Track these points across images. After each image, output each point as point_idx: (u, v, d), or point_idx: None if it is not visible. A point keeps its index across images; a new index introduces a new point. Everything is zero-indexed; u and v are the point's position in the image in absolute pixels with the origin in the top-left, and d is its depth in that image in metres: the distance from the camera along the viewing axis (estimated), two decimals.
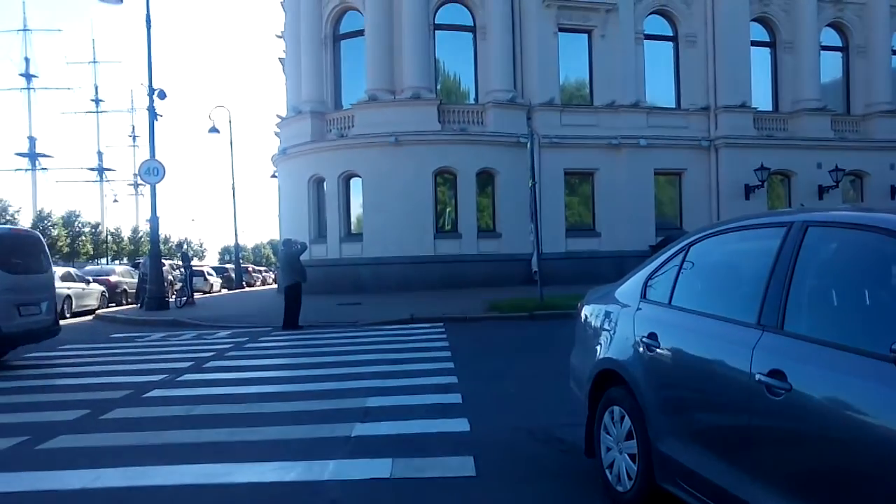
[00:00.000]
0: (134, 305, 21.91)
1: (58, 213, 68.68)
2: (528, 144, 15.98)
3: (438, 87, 24.07)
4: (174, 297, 21.38)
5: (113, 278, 23.63)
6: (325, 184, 23.77)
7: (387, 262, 22.08)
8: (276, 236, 34.36)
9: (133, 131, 78.98)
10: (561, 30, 24.46)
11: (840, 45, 27.54)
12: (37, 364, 9.83)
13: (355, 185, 23.51)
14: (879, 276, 2.49)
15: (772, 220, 3.14)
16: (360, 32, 23.82)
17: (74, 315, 18.87)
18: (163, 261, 22.08)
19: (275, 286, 35.97)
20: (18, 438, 5.41)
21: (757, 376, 2.55)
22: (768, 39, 26.68)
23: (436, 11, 23.80)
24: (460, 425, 5.46)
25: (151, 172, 19.47)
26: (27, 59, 75.20)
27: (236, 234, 37.83)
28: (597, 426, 3.91)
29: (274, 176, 29.50)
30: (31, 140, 75.36)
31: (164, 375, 8.36)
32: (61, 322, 16.08)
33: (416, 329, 12.59)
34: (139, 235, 75.96)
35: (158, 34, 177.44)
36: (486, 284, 21.05)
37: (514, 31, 24.13)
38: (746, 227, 3.27)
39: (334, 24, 24.75)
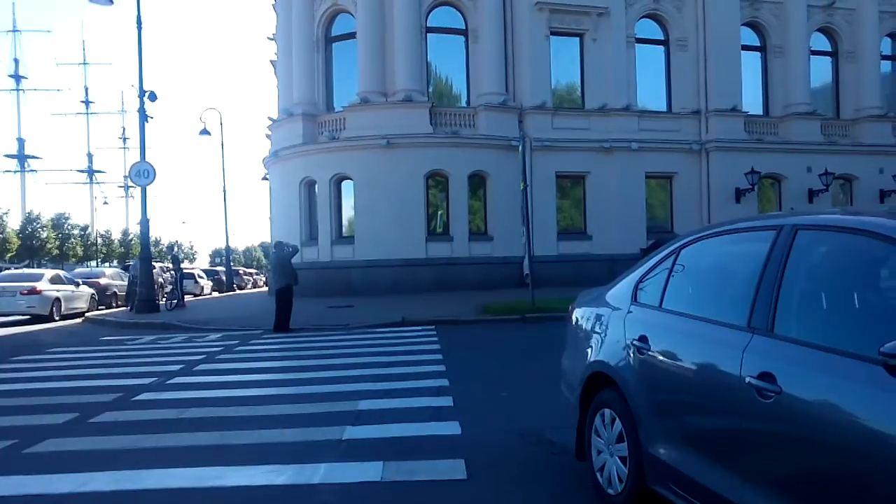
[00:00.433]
0: (124, 308, 21.79)
1: (47, 216, 68.30)
2: (520, 147, 16.03)
3: (430, 89, 24.09)
4: (164, 299, 21.28)
5: (103, 281, 23.48)
6: (316, 186, 23.73)
7: (378, 265, 22.05)
8: (268, 239, 34.27)
9: (123, 133, 78.84)
10: (553, 33, 24.53)
11: (829, 49, 27.76)
12: (25, 367, 9.75)
13: (347, 187, 23.48)
14: (868, 279, 2.51)
15: (762, 223, 3.15)
16: (352, 35, 23.81)
17: (64, 317, 18.75)
18: (153, 263, 21.96)
19: (265, 289, 35.87)
20: (5, 442, 5.37)
21: (747, 379, 2.56)
22: (759, 44, 26.86)
23: (428, 14, 23.82)
24: (451, 428, 5.45)
25: (142, 174, 19.39)
26: (16, 60, 74.87)
27: (227, 237, 37.72)
28: (588, 429, 3.92)
29: (265, 178, 29.43)
30: (20, 141, 74.96)
31: (154, 378, 8.31)
32: (50, 325, 16.03)
33: (407, 332, 12.57)
34: (129, 238, 75.60)
35: (149, 36, 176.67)
36: (477, 287, 21.06)
37: (506, 35, 24.19)
38: (737, 230, 3.28)
39: (326, 27, 24.73)
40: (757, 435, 2.55)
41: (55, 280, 19.38)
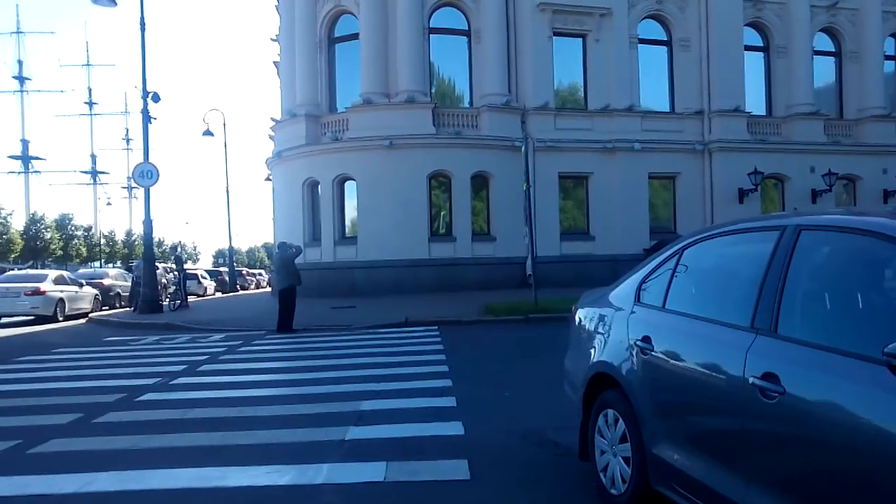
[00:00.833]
0: (127, 309, 21.82)
1: (51, 216, 68.47)
2: (523, 148, 16.01)
3: (433, 90, 24.09)
4: (168, 300, 21.32)
5: (106, 281, 23.54)
6: (319, 187, 23.75)
7: (381, 266, 22.06)
8: (271, 240, 34.28)
9: (127, 134, 78.97)
10: (555, 34, 24.52)
11: (833, 49, 27.71)
12: (29, 367, 9.78)
13: (350, 188, 23.49)
14: (872, 279, 2.50)
15: (765, 223, 3.15)
16: (355, 36, 23.83)
17: (67, 318, 18.79)
18: (156, 264, 21.99)
19: (269, 289, 35.89)
20: (10, 442, 5.38)
21: (750, 379, 2.56)
22: (762, 44, 26.82)
23: (430, 15, 23.83)
24: (454, 429, 5.45)
25: (145, 175, 19.41)
26: (20, 62, 75.14)
27: (230, 238, 37.74)
28: (591, 429, 3.91)
29: (268, 179, 29.44)
30: (25, 143, 75.24)
31: (158, 379, 8.33)
32: (54, 326, 16.07)
33: (410, 332, 12.57)
34: (133, 238, 75.74)
35: (153, 37, 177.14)
36: (480, 288, 21.06)
37: (509, 35, 24.19)
38: (740, 230, 3.28)
39: (329, 28, 24.75)
40: (760, 435, 2.54)
41: (59, 281, 19.42)
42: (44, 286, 18.34)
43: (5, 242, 60.22)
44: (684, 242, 3.62)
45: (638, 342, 3.46)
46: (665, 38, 25.93)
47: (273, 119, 27.40)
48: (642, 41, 25.44)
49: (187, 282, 23.42)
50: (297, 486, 4.25)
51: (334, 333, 13.08)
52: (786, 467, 2.44)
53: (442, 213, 23.51)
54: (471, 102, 24.30)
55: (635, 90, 25.08)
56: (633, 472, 3.44)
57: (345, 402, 6.58)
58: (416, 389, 7.10)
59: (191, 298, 24.67)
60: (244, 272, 51.48)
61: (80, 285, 20.46)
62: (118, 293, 23.59)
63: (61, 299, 18.70)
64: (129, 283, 23.27)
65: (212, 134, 31.01)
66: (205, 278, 36.36)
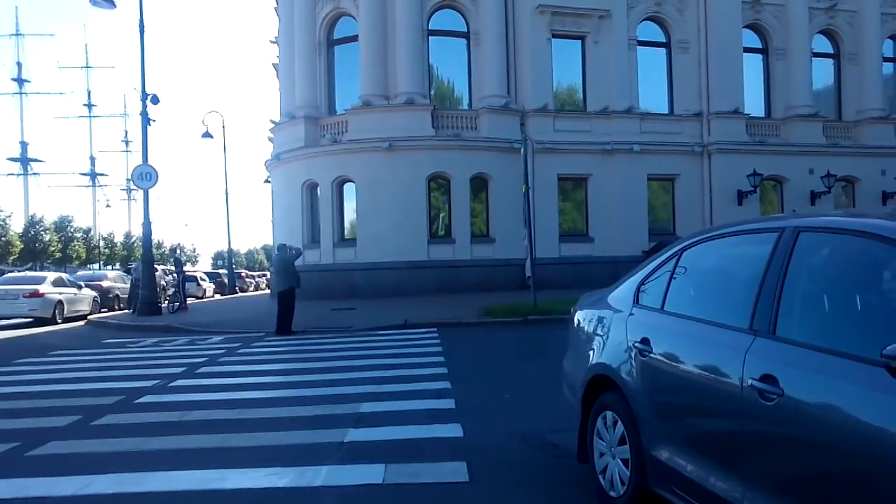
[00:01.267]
0: (126, 311, 21.81)
1: (50, 218, 68.41)
2: (522, 150, 16.02)
3: (432, 92, 24.11)
4: (167, 302, 21.31)
5: (105, 283, 23.51)
6: (318, 189, 23.76)
7: (381, 268, 22.06)
8: (270, 242, 34.32)
9: (126, 136, 79.04)
10: (554, 36, 24.54)
11: (831, 51, 27.75)
12: (27, 370, 9.77)
13: (349, 190, 23.50)
14: (870, 281, 2.50)
15: (764, 225, 3.16)
16: (354, 38, 23.85)
17: (66, 320, 18.78)
18: (155, 266, 21.98)
19: (268, 291, 35.88)
20: (9, 445, 5.38)
21: (749, 381, 2.56)
22: (760, 46, 26.86)
23: (429, 17, 23.85)
24: (453, 431, 5.45)
25: (144, 177, 19.42)
26: (19, 64, 75.12)
27: (229, 240, 37.77)
28: (590, 431, 3.91)
29: (267, 181, 29.46)
30: (23, 145, 75.20)
31: (157, 381, 8.32)
32: (52, 328, 16.06)
33: (409, 334, 12.58)
34: (132, 240, 75.68)
35: (152, 39, 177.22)
36: (479, 289, 21.06)
37: (508, 37, 24.21)
38: (738, 232, 3.28)
39: (328, 30, 24.77)
40: (759, 437, 2.54)
41: (58, 283, 19.41)
42: (42, 288, 18.33)
43: (4, 244, 60.17)
44: (683, 244, 3.62)
45: (637, 344, 3.46)
46: (664, 40, 25.96)
47: (272, 121, 27.42)
48: (641, 43, 25.47)
49: (186, 284, 23.41)
50: (296, 489, 4.25)
51: (333, 335, 13.08)
52: (784, 469, 2.44)
53: (441, 215, 23.52)
54: (470, 104, 24.32)
55: (634, 92, 25.10)
56: (631, 474, 3.44)
57: (344, 404, 6.57)
58: (415, 391, 7.10)
59: (190, 300, 24.67)
60: (243, 274, 51.45)
61: (79, 287, 20.45)
62: (117, 295, 23.57)
63: (60, 301, 18.69)
64: (128, 286, 23.26)
65: (211, 136, 31.00)
66: (204, 280, 36.33)
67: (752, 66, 26.52)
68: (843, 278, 2.62)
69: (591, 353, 3.99)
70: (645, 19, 25.53)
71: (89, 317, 19.64)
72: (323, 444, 5.17)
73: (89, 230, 73.78)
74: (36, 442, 5.43)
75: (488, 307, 15.43)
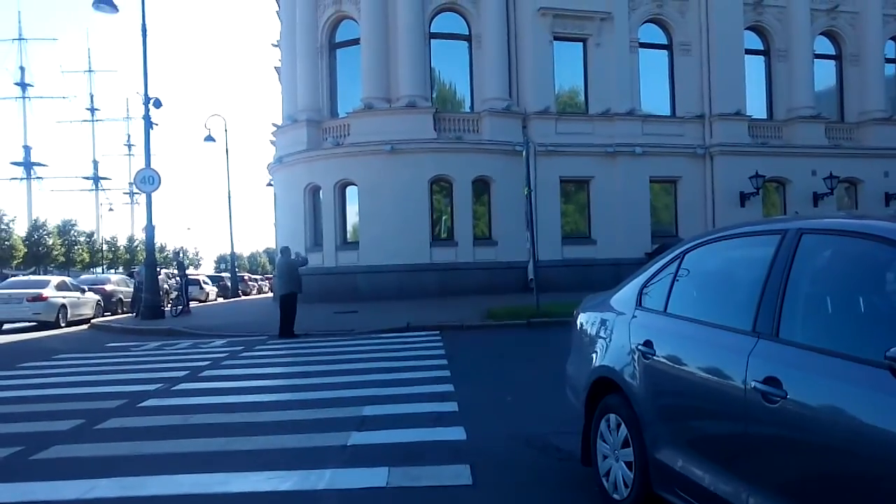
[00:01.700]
0: (129, 314, 21.83)
1: (53, 222, 68.60)
2: (524, 152, 16.02)
3: (434, 95, 24.12)
4: (170, 305, 21.32)
5: (108, 287, 23.52)
6: (321, 192, 23.78)
7: (383, 271, 22.07)
8: (273, 245, 34.31)
9: (128, 140, 79.13)
10: (556, 38, 24.55)
11: (833, 53, 27.71)
12: (31, 374, 9.78)
13: (351, 193, 23.52)
14: (874, 282, 2.50)
15: (766, 227, 3.16)
16: (356, 41, 23.89)
17: (70, 324, 18.79)
18: (158, 269, 22.01)
19: (270, 295, 35.91)
20: (13, 449, 5.38)
21: (752, 383, 2.56)
22: (762, 48, 26.84)
23: (431, 20, 23.87)
24: (457, 434, 5.45)
25: (147, 181, 19.44)
26: (22, 69, 75.41)
27: (232, 243, 37.83)
28: (593, 434, 3.91)
29: (270, 184, 29.49)
30: (27, 149, 75.45)
31: (160, 385, 8.33)
32: (56, 332, 16.09)
33: (412, 337, 12.58)
34: (135, 244, 75.83)
35: (154, 43, 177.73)
36: (482, 292, 21.05)
37: (510, 40, 24.23)
38: (741, 234, 3.28)
39: (330, 33, 24.81)
40: (763, 440, 2.54)
41: (61, 287, 19.44)
42: (46, 292, 18.36)
43: (8, 249, 60.32)
44: (686, 246, 3.62)
45: (640, 346, 3.45)
46: (666, 42, 25.95)
47: (274, 124, 27.45)
48: (643, 45, 25.46)
49: (189, 287, 23.42)
50: (299, 492, 4.25)
51: (336, 338, 13.08)
52: (788, 471, 2.43)
53: (443, 218, 23.52)
54: (472, 107, 24.32)
55: (636, 94, 25.10)
56: (635, 477, 3.43)
57: (346, 407, 6.57)
58: (417, 394, 7.10)
59: (193, 304, 24.68)
60: (246, 277, 51.48)
61: (83, 291, 20.48)
62: (120, 299, 23.59)
63: (63, 305, 18.71)
64: (132, 289, 23.29)
65: (213, 139, 31.07)
66: (207, 284, 36.37)
67: (754, 68, 26.50)
68: (846, 280, 2.62)
69: (594, 355, 3.98)
70: (646, 21, 25.53)
71: (92, 320, 19.67)
72: (326, 447, 5.18)
73: (92, 234, 74.00)
74: (40, 446, 5.44)
75: (491, 310, 15.42)
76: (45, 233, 65.44)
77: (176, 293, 22.23)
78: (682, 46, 25.67)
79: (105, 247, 74.35)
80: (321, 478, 4.45)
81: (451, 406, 6.50)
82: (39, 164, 76.61)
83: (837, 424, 2.22)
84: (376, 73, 23.10)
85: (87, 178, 78.84)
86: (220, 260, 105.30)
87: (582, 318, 4.37)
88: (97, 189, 78.66)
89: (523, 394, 7.14)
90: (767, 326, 2.67)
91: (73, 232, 70.36)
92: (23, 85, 75.32)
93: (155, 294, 19.21)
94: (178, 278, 22.96)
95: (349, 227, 23.79)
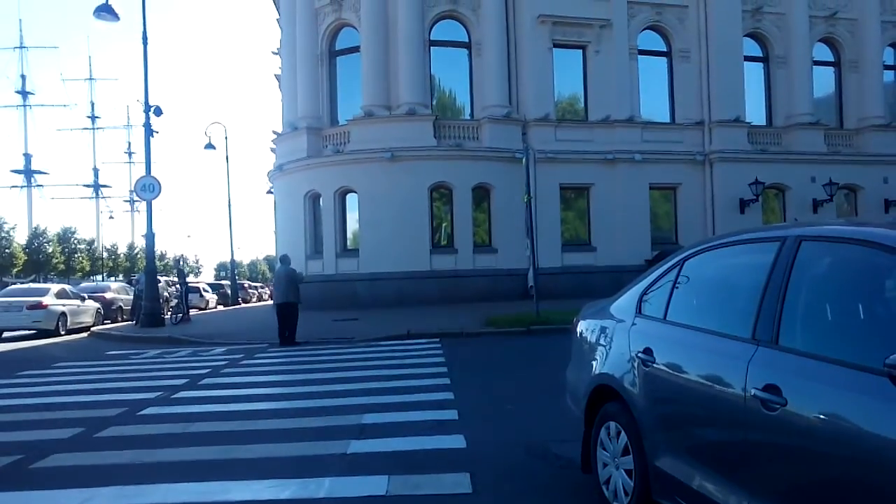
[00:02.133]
0: (129, 322, 21.82)
1: (53, 230, 68.56)
2: (524, 160, 16.04)
3: (434, 102, 24.17)
4: (170, 313, 21.31)
5: (108, 295, 23.52)
6: (321, 199, 23.80)
7: (383, 278, 22.06)
8: (273, 252, 34.32)
9: (129, 148, 79.22)
10: (555, 46, 24.62)
11: (832, 60, 27.78)
12: (31, 382, 9.76)
13: (351, 200, 23.53)
14: (873, 290, 2.50)
15: (766, 234, 3.16)
16: (356, 49, 23.95)
17: (69, 332, 18.78)
18: (158, 277, 22.00)
19: (270, 302, 35.93)
20: (12, 457, 5.37)
21: (752, 391, 2.55)
22: (761, 54, 26.90)
23: (431, 28, 23.95)
24: (457, 442, 5.44)
25: (147, 189, 19.47)
26: (23, 77, 75.47)
27: (232, 251, 37.84)
28: (593, 442, 3.90)
29: (270, 192, 29.53)
30: (27, 157, 75.48)
31: (160, 393, 8.32)
32: (56, 339, 16.06)
33: (412, 344, 12.56)
34: (135, 252, 75.84)
35: (155, 51, 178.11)
36: (482, 299, 21.04)
37: (509, 48, 24.30)
38: (740, 241, 3.29)
39: (330, 41, 24.88)
40: (763, 447, 2.54)
41: (61, 294, 19.43)
42: (46, 300, 18.36)
43: (8, 256, 60.30)
44: (685, 253, 3.62)
45: (639, 354, 3.45)
46: (665, 49, 26.02)
47: (275, 132, 27.51)
48: (642, 52, 25.52)
49: (189, 295, 23.41)
50: (299, 500, 4.24)
51: (336, 346, 13.07)
52: (788, 479, 2.43)
53: (443, 225, 23.53)
54: (472, 114, 24.37)
55: (635, 101, 25.15)
56: (635, 485, 3.43)
57: (346, 415, 6.56)
58: (417, 402, 7.09)
59: (193, 311, 24.68)
60: (246, 285, 51.46)
61: (83, 299, 20.46)
62: (120, 307, 23.58)
63: (63, 313, 18.70)
64: (132, 297, 23.28)
65: (214, 147, 31.13)
66: (207, 291, 36.35)
67: (753, 75, 26.56)
68: (846, 287, 2.62)
69: (593, 363, 3.98)
70: (646, 28, 25.60)
71: (92, 328, 19.65)
72: (326, 455, 5.16)
73: (92, 242, 73.96)
74: (39, 454, 5.43)
75: (491, 317, 15.42)
76: (45, 241, 65.41)
77: (176, 301, 22.23)
78: (682, 53, 25.74)
79: (105, 254, 74.33)
80: (321, 486, 4.44)
81: (452, 414, 6.48)
82: (40, 172, 76.65)
83: (837, 432, 2.21)
84: (376, 81, 23.16)
85: (88, 185, 78.87)
86: (220, 267, 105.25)
87: (582, 326, 4.37)
88: (97, 197, 78.70)
89: (523, 401, 7.13)
90: (767, 334, 2.67)
91: (73, 240, 70.33)
92: (24, 93, 75.46)
93: (155, 302, 19.20)
94: (178, 286, 22.95)
95: (349, 235, 23.79)
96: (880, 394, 2.08)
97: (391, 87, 23.20)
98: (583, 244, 24.79)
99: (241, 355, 12.20)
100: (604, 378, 3.79)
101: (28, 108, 75.59)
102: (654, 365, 3.32)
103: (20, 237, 64.34)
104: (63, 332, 18.45)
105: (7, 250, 60.38)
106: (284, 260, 14.89)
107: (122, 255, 78.93)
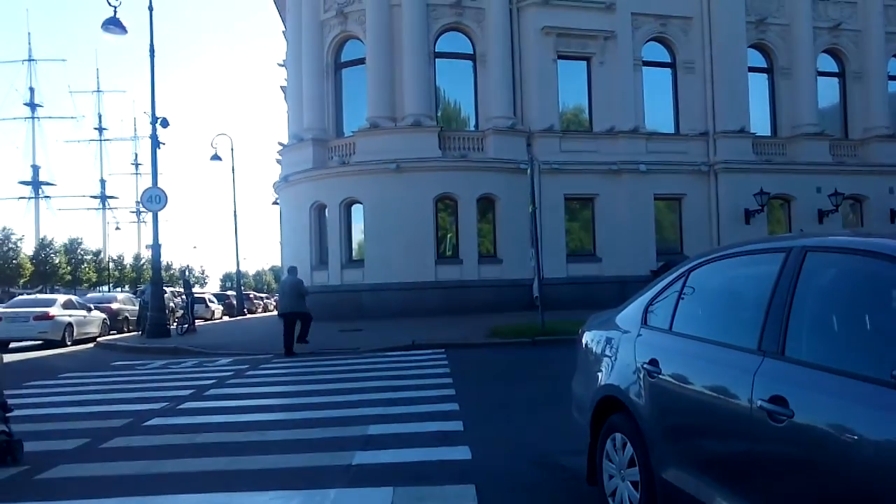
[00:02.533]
0: (135, 333, 21.86)
1: (60, 241, 68.87)
2: (529, 170, 16.06)
3: (439, 114, 24.26)
4: (175, 324, 21.34)
5: (114, 306, 23.59)
6: (326, 210, 23.86)
7: (388, 289, 22.06)
8: (278, 263, 34.40)
9: (136, 159, 79.88)
10: (560, 57, 24.70)
11: (837, 70, 27.79)
12: (37, 392, 9.78)
13: (357, 211, 23.59)
14: (879, 301, 2.49)
15: (771, 245, 3.15)
16: (361, 61, 24.07)
17: (76, 342, 18.81)
18: (164, 288, 22.05)
19: (276, 313, 35.94)
20: (17, 468, 5.37)
21: (758, 402, 2.54)
22: (766, 65, 26.93)
23: (436, 40, 24.06)
24: (462, 453, 5.42)
25: (153, 200, 19.56)
26: (32, 89, 76.11)
27: (238, 261, 37.94)
28: (599, 453, 3.89)
29: (276, 203, 29.63)
30: (35, 168, 75.96)
31: (165, 403, 8.32)
32: (62, 350, 16.08)
33: (417, 355, 12.54)
34: (141, 263, 76.06)
35: (162, 63, 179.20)
36: (487, 310, 21.01)
37: (514, 59, 24.38)
38: (746, 252, 3.28)
39: (335, 53, 25.02)
40: (769, 459, 2.52)
41: (67, 305, 19.48)
42: (52, 311, 18.40)
43: (15, 267, 60.58)
44: (691, 264, 3.62)
45: (645, 365, 3.44)
46: (669, 61, 26.07)
47: (280, 143, 27.62)
48: (646, 63, 25.58)
49: (195, 305, 23.45)
50: None
51: (341, 357, 13.05)
52: (795, 491, 2.41)
53: (448, 236, 23.55)
54: (476, 125, 24.45)
55: (640, 112, 25.18)
56: (641, 497, 3.41)
57: (352, 426, 6.55)
58: (422, 413, 7.07)
59: (198, 322, 24.72)
60: (252, 296, 51.54)
61: (89, 310, 20.51)
62: (126, 317, 23.64)
63: (70, 324, 18.75)
64: (138, 308, 23.33)
65: (220, 158, 31.27)
66: (212, 302, 36.43)
67: (758, 86, 26.59)
68: (852, 298, 2.61)
69: (599, 374, 3.97)
70: (650, 40, 25.68)
71: (98, 339, 19.69)
72: (331, 466, 5.15)
73: (99, 252, 74.26)
74: (45, 465, 5.43)
75: (496, 328, 15.39)
76: (52, 251, 65.73)
77: (182, 311, 22.26)
78: (686, 64, 25.78)
79: (112, 265, 74.56)
80: (326, 497, 4.43)
81: (457, 425, 6.47)
82: (47, 184, 77.18)
83: (844, 444, 2.20)
84: (381, 92, 23.26)
85: (95, 196, 79.37)
86: (226, 278, 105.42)
87: (587, 337, 4.36)
88: (104, 208, 79.20)
89: (529, 412, 7.11)
90: (773, 345, 2.66)
91: (79, 250, 70.62)
92: (32, 105, 76.09)
93: (160, 312, 19.25)
94: (183, 296, 22.99)
95: (354, 246, 23.83)
96: (888, 405, 2.07)
97: (396, 98, 23.29)
98: (588, 255, 24.76)
99: (246, 366, 12.20)
100: (609, 389, 3.78)
101: (36, 120, 76.29)
102: (660, 376, 3.31)
103: (27, 248, 64.70)
104: (69, 343, 18.48)
105: (14, 261, 60.67)
106: (292, 271, 14.95)
107: (128, 266, 79.18)
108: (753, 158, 25.63)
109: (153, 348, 16.13)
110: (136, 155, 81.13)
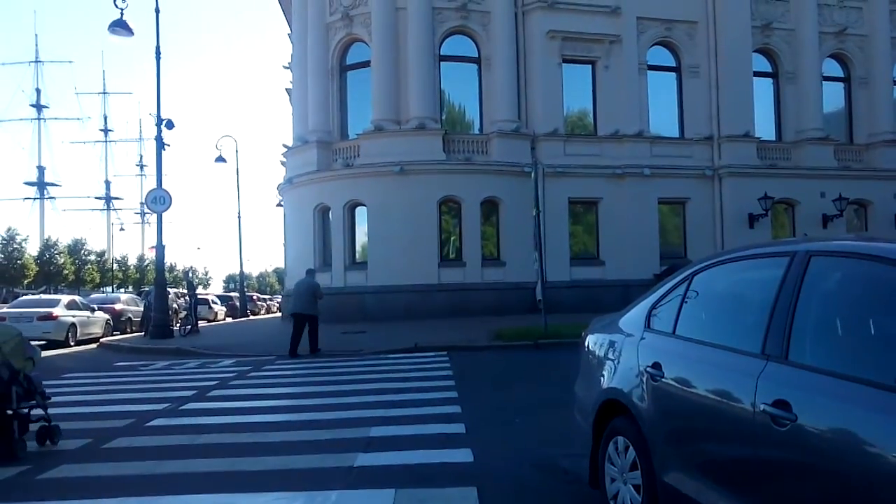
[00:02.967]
0: (139, 334, 21.89)
1: (64, 242, 69.06)
2: (533, 174, 16.07)
3: (443, 117, 24.27)
4: (179, 325, 21.37)
5: (118, 306, 23.64)
6: (330, 212, 23.88)
7: (392, 291, 22.06)
8: (282, 265, 34.40)
9: (141, 160, 79.92)
10: (565, 61, 24.69)
11: (842, 75, 27.73)
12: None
13: (360, 213, 23.60)
14: (883, 305, 2.48)
15: (775, 249, 3.15)
16: (366, 63, 24.11)
17: (79, 343, 18.86)
18: (168, 289, 22.08)
19: (279, 314, 35.95)
20: (20, 468, 5.39)
21: (761, 406, 2.54)
22: (770, 70, 26.90)
23: (441, 43, 24.09)
24: (464, 455, 5.41)
25: (158, 201, 19.61)
26: (38, 90, 76.42)
27: (241, 263, 37.99)
28: (601, 457, 3.88)
29: (280, 205, 29.66)
30: (40, 169, 76.25)
31: (168, 404, 8.33)
32: (65, 350, 16.12)
33: (420, 358, 12.54)
34: (145, 264, 76.23)
35: (168, 65, 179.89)
36: (490, 313, 20.99)
37: (519, 62, 24.38)
38: (750, 256, 3.28)
39: (341, 56, 25.06)
40: (772, 463, 2.52)
41: (71, 306, 19.54)
42: (56, 311, 18.46)
43: (19, 268, 60.78)
44: (694, 268, 3.62)
45: (648, 369, 3.44)
46: (674, 65, 26.04)
47: (285, 145, 27.67)
48: (651, 67, 25.56)
49: (198, 307, 23.50)
50: None
51: (344, 359, 13.06)
52: (797, 496, 2.41)
53: (452, 239, 23.55)
54: (481, 129, 24.44)
55: (644, 116, 25.16)
56: (643, 500, 3.40)
57: (354, 428, 6.55)
58: (425, 415, 7.07)
59: (201, 323, 24.73)
60: (255, 297, 51.60)
61: (92, 310, 20.57)
62: (130, 318, 23.68)
63: (73, 324, 18.79)
64: (141, 308, 23.37)
65: (224, 160, 31.34)
66: (216, 303, 36.47)
67: (763, 90, 26.54)
68: (856, 303, 2.61)
69: (602, 377, 3.97)
70: (655, 44, 25.66)
71: (102, 339, 19.73)
72: (333, 468, 5.16)
73: (103, 253, 74.40)
74: (47, 465, 5.44)
75: (499, 330, 15.38)
76: (56, 252, 65.92)
77: (185, 313, 22.30)
78: (691, 69, 25.76)
79: (115, 266, 74.71)
80: (328, 499, 4.43)
81: (459, 427, 6.46)
82: (53, 185, 77.43)
83: (847, 448, 2.20)
84: (386, 95, 23.29)
85: (100, 197, 79.51)
86: (230, 279, 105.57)
87: (590, 340, 4.36)
88: (109, 209, 79.28)
89: (531, 415, 7.10)
90: (777, 349, 2.65)
91: (83, 251, 70.82)
92: (38, 106, 76.39)
93: (164, 313, 19.28)
94: (187, 298, 23.03)
95: (358, 248, 23.84)
96: (891, 410, 2.06)
97: (401, 101, 23.32)
98: (591, 258, 24.73)
99: (249, 367, 12.22)
100: (612, 392, 3.78)
101: (42, 121, 76.53)
102: (663, 379, 3.30)
103: (32, 248, 64.89)
104: (73, 343, 18.52)
105: (19, 261, 60.86)
106: (310, 273, 15.06)
107: (132, 267, 79.37)
108: (758, 163, 25.58)
109: (156, 349, 16.16)
110: (141, 156, 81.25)
